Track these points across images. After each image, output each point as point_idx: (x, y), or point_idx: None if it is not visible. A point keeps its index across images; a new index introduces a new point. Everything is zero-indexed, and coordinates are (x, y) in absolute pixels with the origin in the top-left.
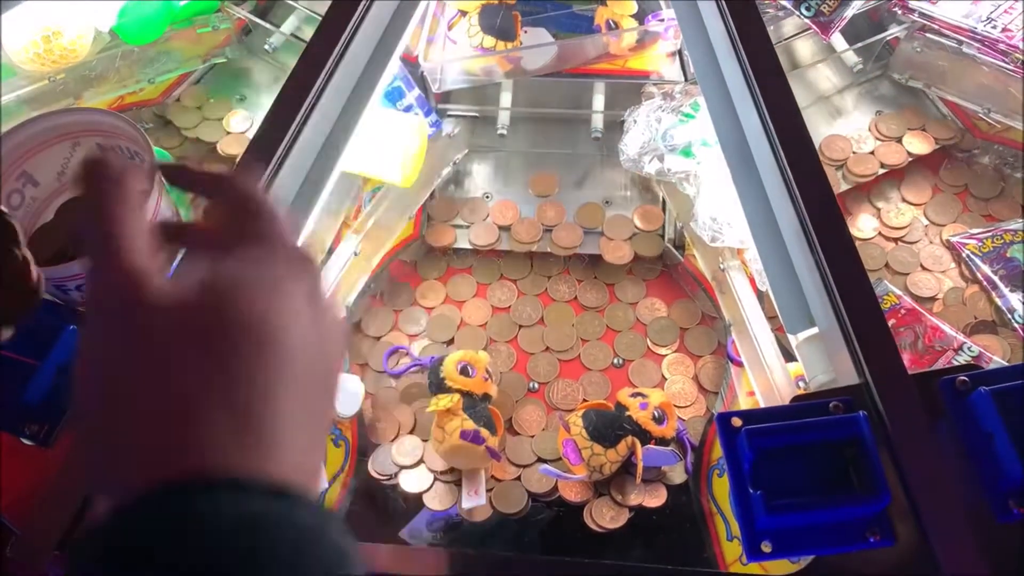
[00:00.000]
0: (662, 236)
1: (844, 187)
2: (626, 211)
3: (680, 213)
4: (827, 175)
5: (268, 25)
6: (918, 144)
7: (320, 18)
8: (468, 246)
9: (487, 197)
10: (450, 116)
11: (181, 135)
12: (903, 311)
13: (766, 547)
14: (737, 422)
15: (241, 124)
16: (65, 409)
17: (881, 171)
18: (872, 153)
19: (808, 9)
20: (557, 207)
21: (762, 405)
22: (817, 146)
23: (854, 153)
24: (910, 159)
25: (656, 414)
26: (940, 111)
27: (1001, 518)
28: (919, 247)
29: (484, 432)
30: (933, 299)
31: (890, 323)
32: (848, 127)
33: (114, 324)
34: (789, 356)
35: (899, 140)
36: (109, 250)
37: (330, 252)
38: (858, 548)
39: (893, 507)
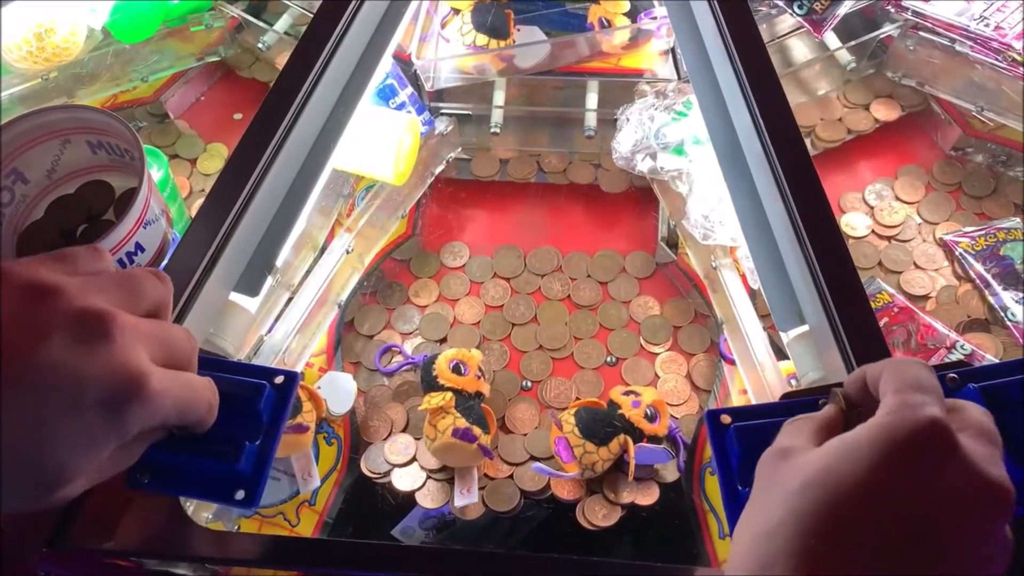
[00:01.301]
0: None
1: (813, 153)
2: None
3: (672, 211)
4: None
5: (261, 23)
6: (884, 111)
7: (313, 16)
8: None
9: (495, 127)
10: (443, 114)
11: (176, 132)
12: (896, 309)
13: None
14: (726, 419)
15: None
16: None
17: (849, 137)
18: (840, 120)
19: (801, 7)
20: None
21: (753, 403)
22: None
23: (822, 120)
24: (877, 125)
25: (648, 412)
26: (934, 109)
27: None
28: (912, 245)
29: (476, 430)
30: (926, 297)
31: (883, 321)
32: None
33: None
34: (781, 354)
35: (866, 107)
36: None
37: (323, 250)
38: None
39: None
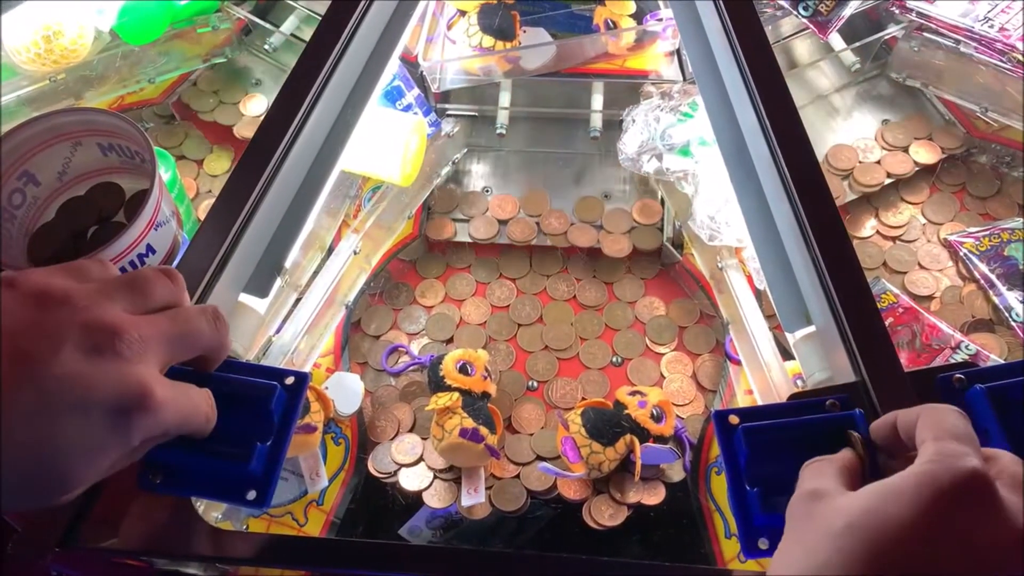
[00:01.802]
0: (661, 230)
1: (851, 197)
2: (625, 205)
3: (678, 212)
4: (833, 184)
5: (268, 25)
6: (924, 153)
7: (320, 18)
8: (468, 239)
9: (487, 191)
10: (449, 115)
11: (183, 134)
12: (901, 309)
13: (763, 544)
14: (734, 419)
15: (258, 108)
16: None
17: (888, 181)
18: (879, 163)
19: (806, 9)
20: (558, 214)
21: (760, 403)
22: (823, 156)
23: (860, 163)
24: (916, 168)
25: (655, 412)
26: (939, 110)
27: None
28: (917, 246)
29: (483, 430)
30: (931, 297)
31: (888, 321)
32: (847, 127)
33: None
34: (787, 354)
35: (905, 150)
36: None
37: (330, 251)
38: None
39: None
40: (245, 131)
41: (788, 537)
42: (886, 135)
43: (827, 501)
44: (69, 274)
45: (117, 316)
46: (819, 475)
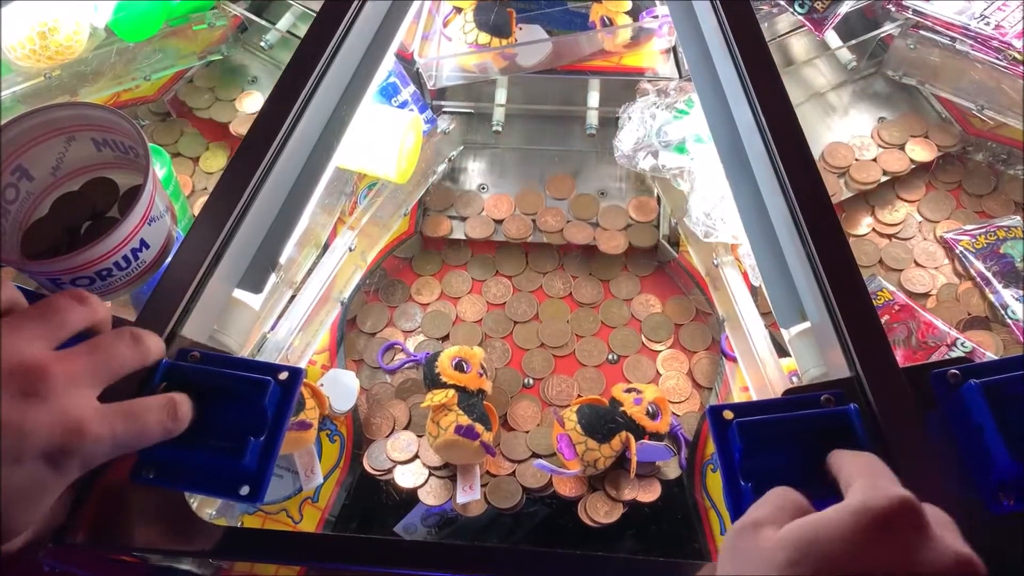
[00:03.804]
0: (656, 227)
1: (847, 195)
2: (621, 203)
3: (674, 209)
4: (829, 182)
5: (264, 22)
6: (920, 151)
7: (315, 15)
8: (463, 237)
9: (483, 189)
10: (445, 112)
11: (178, 131)
12: (897, 307)
13: None
14: (729, 415)
15: (254, 105)
16: None
17: (884, 179)
18: (875, 160)
19: (802, 6)
20: (554, 211)
21: (754, 399)
22: (820, 153)
23: (856, 160)
24: (912, 166)
25: (650, 409)
26: (935, 108)
27: (991, 509)
28: (913, 243)
29: (479, 427)
30: (927, 295)
31: (884, 319)
32: (843, 125)
33: None
34: (782, 351)
35: (901, 147)
36: None
37: (325, 248)
38: None
39: None
40: (241, 128)
41: (727, 567)
42: (882, 133)
43: (765, 533)
44: None
45: (37, 355)
46: (763, 505)
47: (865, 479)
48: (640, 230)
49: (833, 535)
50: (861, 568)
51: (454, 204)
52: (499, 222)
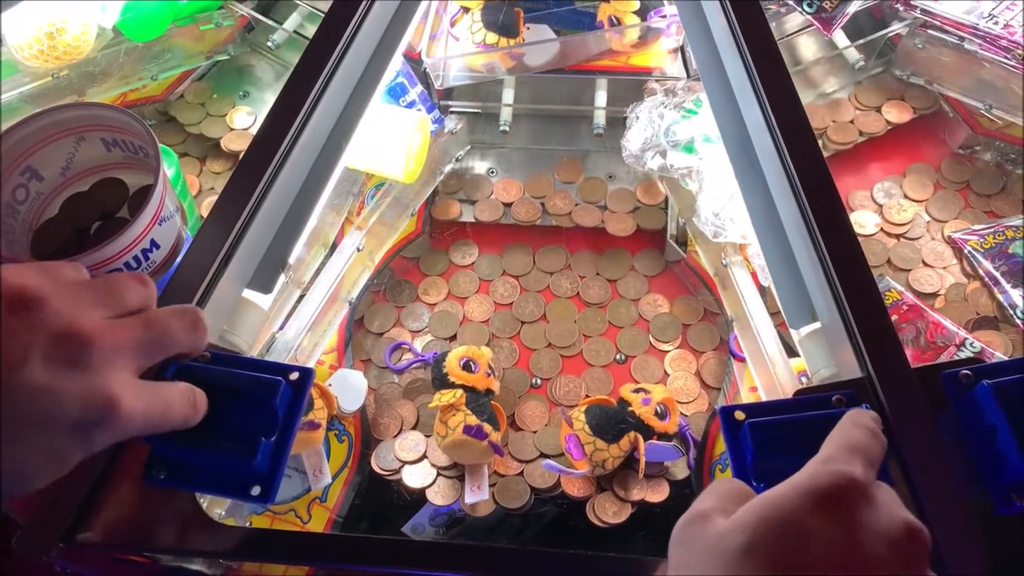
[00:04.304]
0: (664, 210)
1: (825, 155)
2: (628, 186)
3: (682, 209)
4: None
5: (271, 22)
6: (896, 113)
7: (323, 15)
8: (472, 220)
9: (492, 173)
10: (452, 112)
11: (184, 131)
12: (905, 307)
13: None
14: (740, 415)
15: (244, 120)
16: None
17: (860, 139)
18: (851, 122)
19: (810, 5)
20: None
21: (764, 400)
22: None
23: (833, 122)
24: (889, 127)
25: (658, 409)
26: (943, 107)
27: (1003, 510)
28: (921, 243)
29: (487, 427)
30: (935, 295)
31: (892, 319)
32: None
33: None
34: (791, 351)
35: (878, 109)
36: None
37: (333, 248)
38: None
39: None
40: (232, 144)
41: (680, 560)
42: (859, 96)
43: (715, 520)
44: (44, 274)
45: (89, 324)
46: (708, 496)
47: (823, 454)
48: (648, 212)
49: (782, 517)
50: (809, 543)
51: (463, 188)
52: (508, 205)
